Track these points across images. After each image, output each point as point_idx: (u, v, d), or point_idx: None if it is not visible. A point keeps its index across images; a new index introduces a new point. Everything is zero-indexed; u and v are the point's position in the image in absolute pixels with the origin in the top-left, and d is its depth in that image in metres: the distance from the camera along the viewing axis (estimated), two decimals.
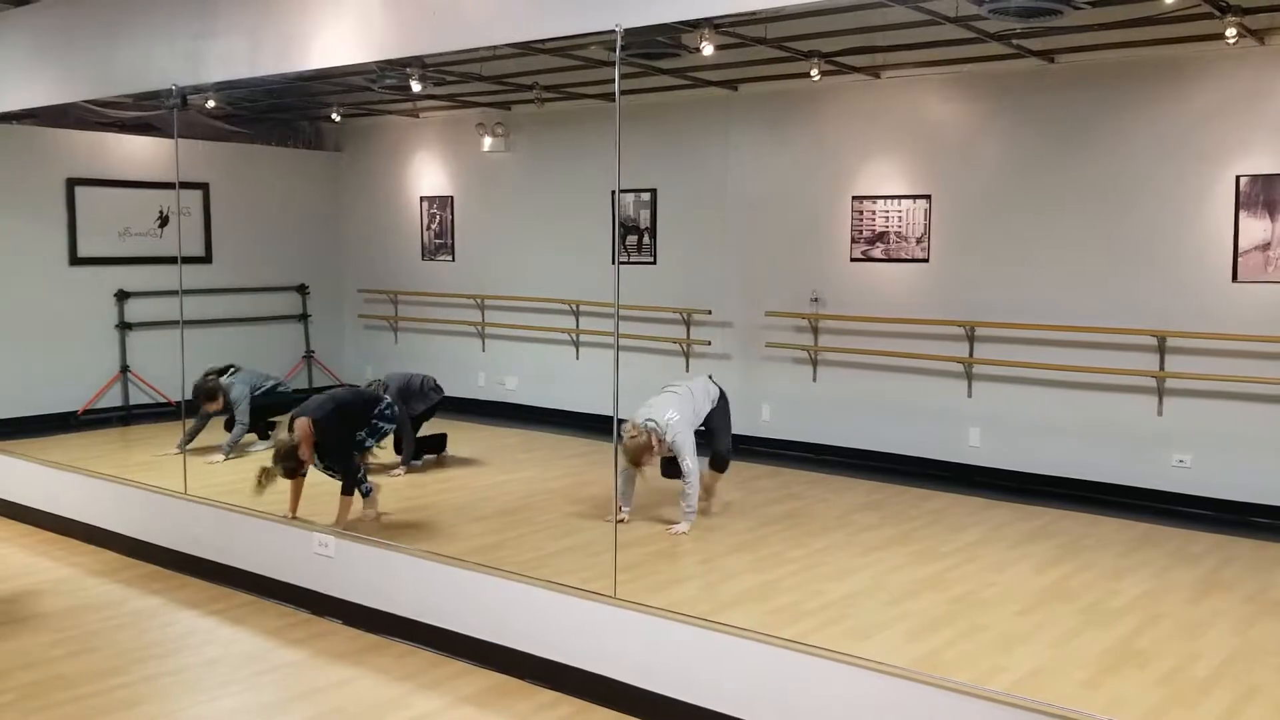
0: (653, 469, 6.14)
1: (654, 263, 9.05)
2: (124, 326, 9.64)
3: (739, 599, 4.85)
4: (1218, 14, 5.64)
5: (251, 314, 10.42)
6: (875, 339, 7.96)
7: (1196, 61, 6.62)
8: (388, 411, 6.29)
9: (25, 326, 9.08)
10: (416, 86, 7.02)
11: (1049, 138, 7.18)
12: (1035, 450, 7.30)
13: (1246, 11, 5.70)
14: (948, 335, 7.62)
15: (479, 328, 10.26)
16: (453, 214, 10.44)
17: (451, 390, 10.17)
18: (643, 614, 4.30)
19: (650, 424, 5.87)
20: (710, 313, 8.69)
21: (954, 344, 7.61)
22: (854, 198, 8.00)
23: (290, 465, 5.75)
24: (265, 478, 5.73)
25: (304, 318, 10.96)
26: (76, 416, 9.25)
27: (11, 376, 8.96)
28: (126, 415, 9.55)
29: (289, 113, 10.61)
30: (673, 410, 5.98)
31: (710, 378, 6.60)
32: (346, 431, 6.03)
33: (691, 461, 5.93)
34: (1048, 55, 6.94)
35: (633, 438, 5.81)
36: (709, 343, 8.73)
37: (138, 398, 9.63)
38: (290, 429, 5.90)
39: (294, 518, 5.84)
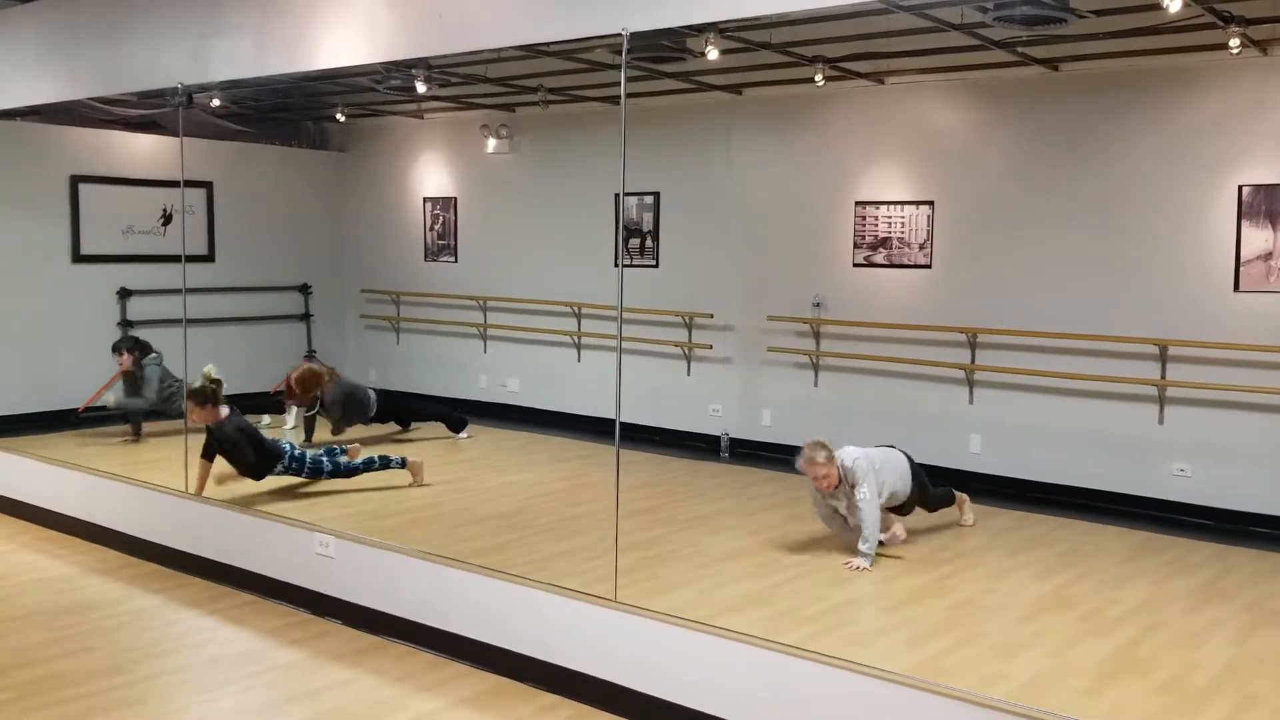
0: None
1: (656, 266, 9.05)
2: (126, 324, 9.63)
3: (739, 603, 4.85)
4: (1221, 24, 5.65)
5: (254, 313, 10.43)
6: (877, 344, 7.96)
7: (1200, 71, 6.63)
8: (293, 465, 6.55)
9: (27, 323, 9.08)
10: (421, 88, 7.03)
11: (1052, 145, 7.19)
12: (1036, 457, 7.30)
13: (1250, 22, 5.70)
14: (949, 341, 7.62)
15: (481, 329, 10.26)
16: (456, 215, 10.44)
17: (452, 392, 10.23)
18: (643, 618, 4.31)
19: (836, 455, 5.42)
20: (712, 316, 8.70)
21: (956, 350, 7.61)
22: (857, 203, 8.00)
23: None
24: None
25: (306, 317, 10.97)
26: (78, 414, 9.24)
27: (13, 373, 8.96)
28: (128, 413, 9.53)
29: (294, 112, 10.62)
30: (857, 453, 5.49)
31: (895, 449, 5.88)
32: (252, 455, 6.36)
33: (869, 494, 5.36)
34: (1052, 63, 6.95)
35: (811, 449, 5.37)
36: (710, 346, 8.73)
37: None
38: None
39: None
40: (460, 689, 4.55)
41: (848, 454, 5.46)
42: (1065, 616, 4.79)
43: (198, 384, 6.34)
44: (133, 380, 8.36)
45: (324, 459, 6.66)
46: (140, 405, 8.34)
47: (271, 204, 10.64)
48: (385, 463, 6.89)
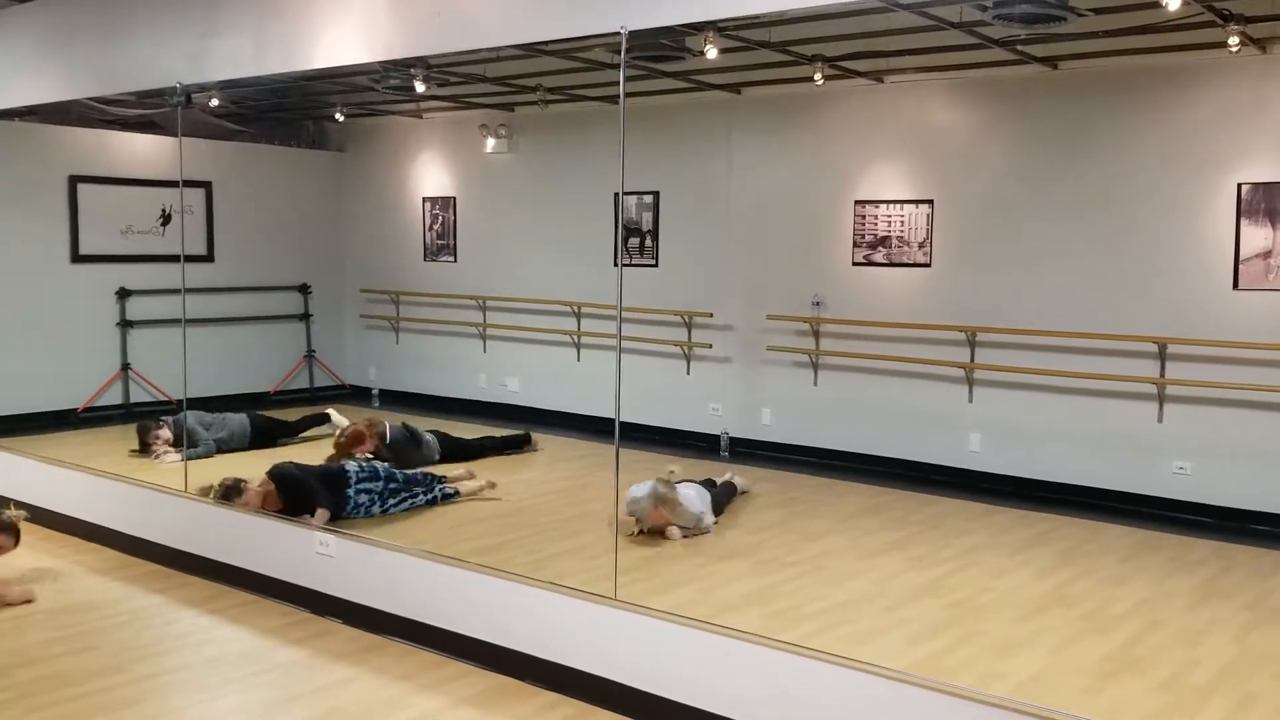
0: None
1: (656, 265, 9.05)
2: (125, 324, 9.64)
3: (739, 602, 4.85)
4: (1220, 22, 5.65)
5: (253, 313, 10.43)
6: (876, 343, 7.96)
7: (1199, 69, 6.63)
8: (361, 499, 6.26)
9: (26, 323, 9.08)
10: (420, 87, 7.02)
11: (1051, 144, 7.20)
12: (1036, 456, 7.30)
13: (1249, 20, 5.70)
14: (949, 340, 7.63)
15: (480, 329, 10.27)
16: (455, 215, 10.44)
17: (453, 391, 10.24)
18: (643, 616, 4.31)
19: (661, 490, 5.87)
20: (712, 316, 8.70)
21: (955, 349, 7.62)
22: (856, 202, 8.01)
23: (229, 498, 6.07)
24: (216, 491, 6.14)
25: (306, 317, 10.97)
26: (77, 414, 9.25)
27: (12, 373, 8.96)
28: (127, 413, 9.55)
29: (292, 112, 10.62)
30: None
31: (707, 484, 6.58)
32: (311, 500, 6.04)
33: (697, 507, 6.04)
34: (1051, 61, 6.95)
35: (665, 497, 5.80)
36: (710, 346, 8.73)
37: (138, 396, 9.63)
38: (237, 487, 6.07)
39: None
40: (461, 688, 4.55)
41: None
42: (1065, 615, 4.80)
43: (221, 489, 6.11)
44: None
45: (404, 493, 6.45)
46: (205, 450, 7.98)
47: (270, 204, 10.63)
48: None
